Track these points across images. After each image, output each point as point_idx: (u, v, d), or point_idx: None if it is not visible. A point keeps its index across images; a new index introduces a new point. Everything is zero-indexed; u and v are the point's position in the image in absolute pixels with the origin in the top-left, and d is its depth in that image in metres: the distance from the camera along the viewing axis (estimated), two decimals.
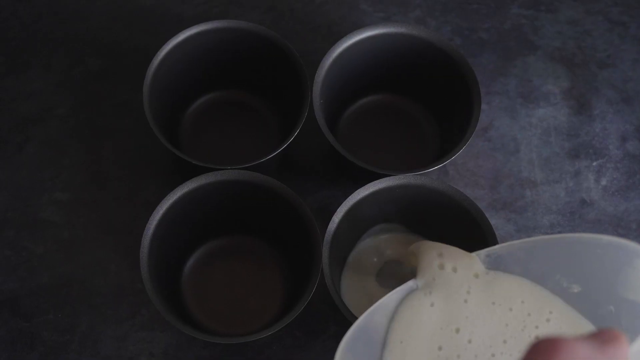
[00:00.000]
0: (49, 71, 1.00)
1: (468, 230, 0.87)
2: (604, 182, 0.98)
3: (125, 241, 0.92)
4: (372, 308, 0.72)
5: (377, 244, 0.90)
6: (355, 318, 0.82)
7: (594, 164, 0.99)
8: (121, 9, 1.04)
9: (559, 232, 0.95)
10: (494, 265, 0.75)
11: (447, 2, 1.07)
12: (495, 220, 0.95)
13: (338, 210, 0.85)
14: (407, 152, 0.98)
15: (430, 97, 0.98)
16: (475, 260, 0.76)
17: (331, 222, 0.85)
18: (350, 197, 0.86)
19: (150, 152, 0.96)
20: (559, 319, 0.73)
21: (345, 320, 0.87)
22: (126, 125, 0.98)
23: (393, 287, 0.76)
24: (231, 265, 0.91)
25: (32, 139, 0.97)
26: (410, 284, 0.76)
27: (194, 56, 0.93)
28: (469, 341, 0.73)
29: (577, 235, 0.72)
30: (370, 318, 0.72)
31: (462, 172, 0.98)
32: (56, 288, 0.90)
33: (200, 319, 0.89)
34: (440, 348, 0.73)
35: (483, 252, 0.76)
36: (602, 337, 0.49)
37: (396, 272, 0.88)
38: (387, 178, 0.87)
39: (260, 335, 0.80)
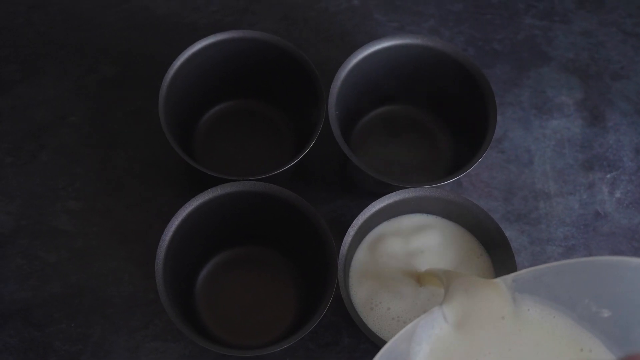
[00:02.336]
0: (62, 79, 1.00)
1: (483, 243, 0.87)
2: (618, 194, 0.98)
3: (139, 251, 0.92)
4: (397, 335, 0.70)
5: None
6: (369, 331, 0.82)
7: (608, 176, 0.99)
8: (135, 17, 1.04)
9: (573, 244, 0.95)
10: (521, 289, 0.74)
11: (460, 13, 1.07)
12: (509, 232, 0.95)
13: (354, 222, 0.85)
14: (422, 163, 0.97)
15: (445, 108, 0.98)
16: (503, 298, 0.74)
17: (347, 234, 0.85)
18: (365, 209, 0.86)
19: (163, 161, 0.96)
20: None
21: (358, 332, 0.87)
22: (139, 134, 0.98)
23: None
24: (245, 276, 0.91)
25: (46, 147, 0.96)
26: (436, 311, 0.74)
27: (209, 66, 0.93)
28: None
29: (605, 258, 0.71)
30: (396, 345, 0.70)
31: (475, 184, 0.97)
32: (69, 297, 0.90)
33: (213, 330, 0.88)
34: None
35: (510, 276, 0.74)
36: None
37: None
38: (403, 190, 0.86)
39: (275, 349, 0.80)
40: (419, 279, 0.87)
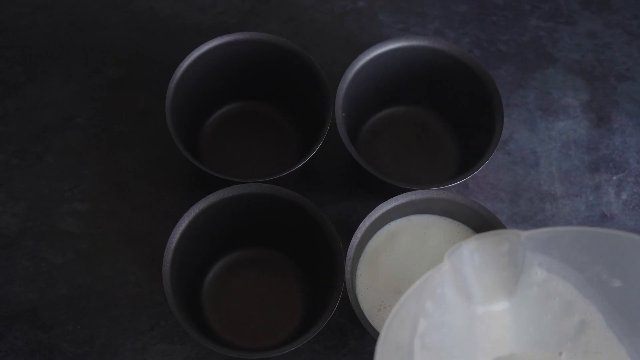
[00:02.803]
0: (68, 80, 1.00)
1: None
2: (624, 196, 0.98)
3: (145, 252, 0.92)
4: (407, 293, 0.70)
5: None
6: (376, 333, 0.82)
7: (614, 177, 0.99)
8: (140, 18, 1.04)
9: None
10: (534, 247, 0.73)
11: (465, 14, 1.07)
12: None
13: (361, 225, 0.85)
14: (427, 164, 0.97)
15: (451, 110, 0.98)
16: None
17: (354, 236, 0.85)
18: (372, 211, 0.86)
19: (169, 162, 0.96)
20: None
21: (365, 334, 0.87)
22: (145, 135, 0.98)
23: None
24: (252, 278, 0.91)
25: (52, 148, 0.96)
26: (444, 263, 0.73)
27: (216, 67, 0.93)
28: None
29: (628, 234, 0.70)
30: (408, 303, 0.69)
31: (482, 186, 0.97)
32: (75, 299, 0.90)
33: (219, 332, 0.88)
34: None
35: (525, 233, 0.73)
36: None
37: None
38: (410, 192, 0.87)
39: (282, 351, 0.80)
40: None
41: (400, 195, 0.87)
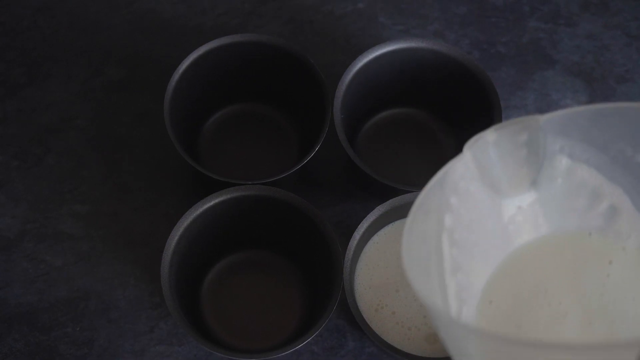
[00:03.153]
0: (68, 82, 1.00)
1: None
2: None
3: (145, 254, 0.92)
4: (429, 184, 0.67)
5: None
6: (374, 335, 0.82)
7: None
8: (141, 20, 1.04)
9: None
10: (554, 131, 0.71)
11: (465, 16, 1.07)
12: None
13: (359, 226, 0.85)
14: (426, 166, 0.97)
15: (450, 112, 0.98)
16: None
17: (352, 238, 0.85)
18: (371, 213, 0.86)
19: (169, 164, 0.96)
20: None
21: (363, 336, 0.87)
22: (146, 137, 0.98)
23: None
24: (250, 280, 0.91)
25: (52, 150, 0.97)
26: (464, 153, 0.71)
27: (215, 69, 0.93)
28: None
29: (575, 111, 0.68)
30: (432, 194, 0.67)
31: None
32: (74, 301, 0.90)
33: (218, 333, 0.89)
34: None
35: (543, 117, 0.70)
36: None
37: None
38: (409, 194, 0.87)
39: (280, 353, 0.80)
40: None
41: (399, 197, 0.87)
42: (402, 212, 0.88)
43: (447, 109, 0.98)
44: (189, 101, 0.92)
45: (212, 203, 0.85)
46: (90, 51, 1.02)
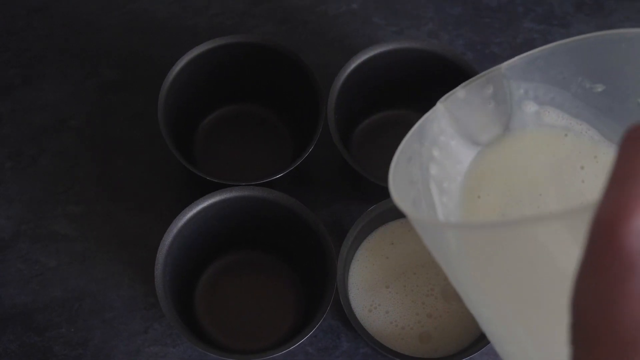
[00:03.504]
0: (63, 83, 1.00)
1: None
2: None
3: (139, 254, 0.92)
4: (407, 137, 0.69)
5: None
6: (368, 336, 0.83)
7: None
8: (136, 20, 1.04)
9: None
10: (515, 76, 0.73)
11: (459, 16, 1.07)
12: None
13: (353, 227, 0.86)
14: None
15: None
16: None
17: (346, 239, 0.85)
18: (364, 213, 0.86)
19: (163, 164, 0.96)
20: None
21: (357, 336, 0.87)
22: (140, 137, 0.98)
23: None
24: (244, 281, 0.91)
25: (46, 151, 0.97)
26: (439, 108, 0.74)
27: (209, 70, 0.94)
28: None
29: (599, 33, 0.69)
30: (409, 145, 0.69)
31: None
32: (69, 302, 0.91)
33: (212, 334, 0.89)
34: None
35: (504, 65, 0.73)
36: None
37: None
38: None
39: (274, 353, 0.80)
40: None
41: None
42: (396, 214, 0.89)
43: None
44: (183, 102, 0.93)
45: (206, 204, 0.85)
46: (84, 52, 1.02)
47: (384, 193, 0.87)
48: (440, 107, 0.73)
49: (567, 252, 0.43)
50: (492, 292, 0.56)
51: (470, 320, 0.87)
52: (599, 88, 0.72)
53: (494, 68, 0.73)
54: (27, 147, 0.97)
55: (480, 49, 1.05)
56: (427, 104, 0.98)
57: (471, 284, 0.57)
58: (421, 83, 0.97)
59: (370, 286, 0.88)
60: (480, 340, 0.85)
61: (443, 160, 0.72)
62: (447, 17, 1.07)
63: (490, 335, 0.61)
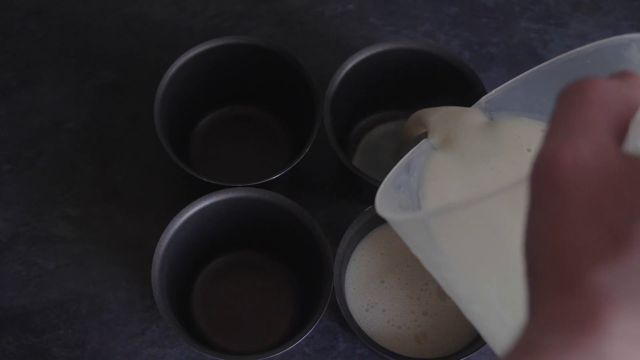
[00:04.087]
0: (60, 85, 1.00)
1: None
2: None
3: (136, 256, 0.93)
4: (395, 168, 0.73)
5: None
6: (365, 337, 0.83)
7: None
8: (132, 22, 1.04)
9: None
10: (495, 108, 0.77)
11: (456, 16, 1.07)
12: None
13: (349, 228, 0.86)
14: None
15: None
16: (475, 113, 0.79)
17: (342, 239, 0.85)
18: (361, 214, 0.87)
19: (161, 166, 0.97)
20: None
21: (354, 337, 0.87)
22: (137, 139, 0.98)
23: None
24: (241, 282, 0.92)
25: (44, 153, 0.97)
26: (424, 143, 0.78)
27: (205, 72, 0.94)
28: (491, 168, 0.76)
29: (564, 55, 0.72)
30: (396, 176, 0.73)
31: None
32: (67, 304, 0.91)
33: (209, 335, 0.89)
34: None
35: (482, 99, 0.78)
36: (619, 74, 0.48)
37: None
38: None
39: (271, 354, 0.80)
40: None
41: None
42: None
43: None
44: (179, 104, 0.93)
45: (202, 205, 0.85)
46: (81, 54, 1.02)
47: None
48: (425, 143, 0.78)
49: (517, 216, 0.46)
50: (465, 265, 0.59)
51: (466, 321, 0.87)
52: None
53: (476, 104, 0.78)
54: (25, 150, 0.97)
55: (477, 49, 1.05)
56: (424, 104, 0.98)
57: (446, 264, 0.60)
58: (418, 83, 0.97)
59: (365, 283, 0.88)
60: (477, 340, 0.85)
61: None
62: (443, 17, 1.07)
63: (467, 313, 0.63)
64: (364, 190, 0.92)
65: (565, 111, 0.43)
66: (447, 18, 1.07)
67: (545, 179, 0.42)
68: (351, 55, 0.93)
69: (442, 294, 0.88)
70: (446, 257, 0.58)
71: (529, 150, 0.75)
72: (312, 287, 0.85)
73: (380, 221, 0.89)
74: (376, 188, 0.87)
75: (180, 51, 0.93)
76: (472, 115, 0.78)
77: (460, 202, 0.51)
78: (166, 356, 0.89)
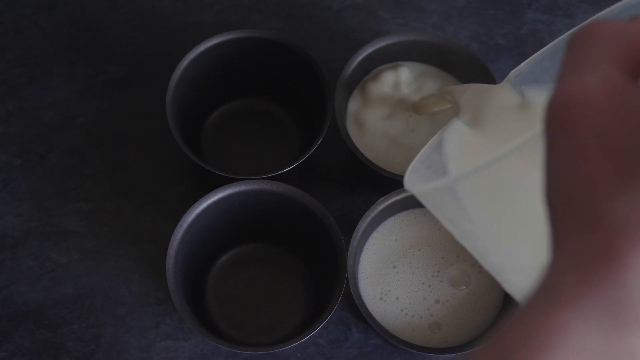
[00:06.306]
0: (70, 80, 1.00)
1: None
2: None
3: (149, 250, 0.93)
4: (425, 147, 0.73)
5: None
6: (379, 327, 0.83)
7: None
8: (142, 17, 1.04)
9: None
10: (525, 81, 0.76)
11: (464, 8, 1.07)
12: None
13: (362, 219, 0.86)
14: None
15: None
16: (506, 91, 0.78)
17: (355, 231, 0.86)
18: (373, 206, 0.87)
19: (172, 160, 0.97)
20: None
21: (368, 327, 0.88)
22: (148, 133, 0.98)
23: None
24: (254, 274, 0.92)
25: (55, 148, 0.97)
26: (455, 121, 0.78)
27: (216, 65, 0.94)
28: None
29: (590, 19, 0.72)
30: (427, 156, 0.73)
31: None
32: (80, 298, 0.91)
33: (223, 328, 0.89)
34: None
35: (512, 74, 0.77)
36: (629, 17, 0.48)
37: None
38: None
39: (285, 346, 0.81)
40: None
41: (401, 189, 0.87)
42: (404, 205, 0.89)
43: None
44: (190, 97, 0.93)
45: (215, 198, 0.86)
46: (91, 49, 1.02)
47: (393, 185, 0.88)
48: (456, 121, 0.77)
49: (536, 168, 0.47)
50: (496, 229, 0.59)
51: (479, 310, 0.87)
52: None
53: (505, 79, 0.76)
54: (36, 145, 0.97)
55: (485, 40, 1.05)
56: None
57: (477, 232, 0.60)
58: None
59: (378, 270, 0.88)
60: (489, 330, 0.85)
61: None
62: (451, 9, 1.07)
63: (506, 285, 0.62)
64: (376, 182, 0.92)
65: (573, 54, 0.43)
66: (454, 10, 1.07)
67: (557, 121, 0.41)
68: (361, 48, 0.93)
69: (454, 282, 0.88)
70: (476, 224, 0.58)
71: None
72: (326, 278, 0.86)
73: (392, 211, 0.90)
74: (387, 179, 0.88)
75: (190, 45, 0.93)
76: (503, 94, 0.77)
77: (485, 161, 0.51)
78: (180, 349, 0.89)
